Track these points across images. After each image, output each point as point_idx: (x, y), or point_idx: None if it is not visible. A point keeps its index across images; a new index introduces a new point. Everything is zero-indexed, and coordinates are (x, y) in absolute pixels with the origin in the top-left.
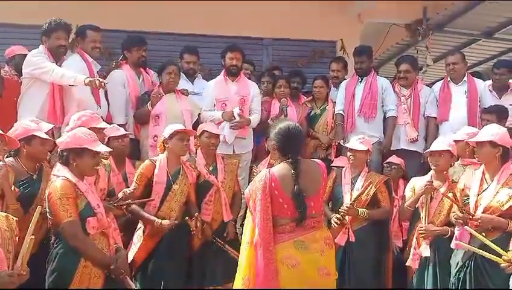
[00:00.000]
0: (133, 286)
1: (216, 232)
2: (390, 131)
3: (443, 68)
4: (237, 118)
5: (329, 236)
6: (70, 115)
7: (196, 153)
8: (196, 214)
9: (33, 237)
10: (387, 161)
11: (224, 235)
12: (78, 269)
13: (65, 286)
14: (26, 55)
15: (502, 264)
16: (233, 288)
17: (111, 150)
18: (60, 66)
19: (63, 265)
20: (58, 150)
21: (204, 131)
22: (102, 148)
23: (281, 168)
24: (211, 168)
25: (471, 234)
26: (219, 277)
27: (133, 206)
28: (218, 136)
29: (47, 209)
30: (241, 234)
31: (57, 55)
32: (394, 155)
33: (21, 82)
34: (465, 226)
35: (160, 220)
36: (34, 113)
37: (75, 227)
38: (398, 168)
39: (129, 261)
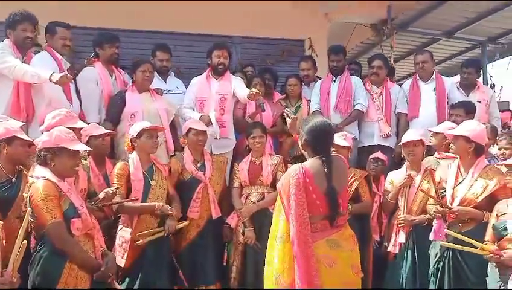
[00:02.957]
0: None
1: (204, 230)
2: (349, 118)
3: (407, 66)
4: (214, 123)
5: (353, 233)
6: (43, 113)
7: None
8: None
9: (25, 242)
10: (373, 156)
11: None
12: (64, 272)
13: None
14: None
15: (484, 256)
16: (266, 288)
17: (90, 149)
18: (27, 62)
19: (48, 269)
20: (36, 150)
21: (191, 129)
22: (81, 147)
23: (314, 163)
24: (199, 165)
25: (448, 227)
26: (211, 276)
27: (124, 204)
28: (205, 132)
29: (29, 213)
30: (242, 233)
31: (23, 48)
32: (379, 151)
33: None
34: (445, 230)
35: (160, 204)
36: (1, 110)
37: (60, 228)
38: (383, 165)
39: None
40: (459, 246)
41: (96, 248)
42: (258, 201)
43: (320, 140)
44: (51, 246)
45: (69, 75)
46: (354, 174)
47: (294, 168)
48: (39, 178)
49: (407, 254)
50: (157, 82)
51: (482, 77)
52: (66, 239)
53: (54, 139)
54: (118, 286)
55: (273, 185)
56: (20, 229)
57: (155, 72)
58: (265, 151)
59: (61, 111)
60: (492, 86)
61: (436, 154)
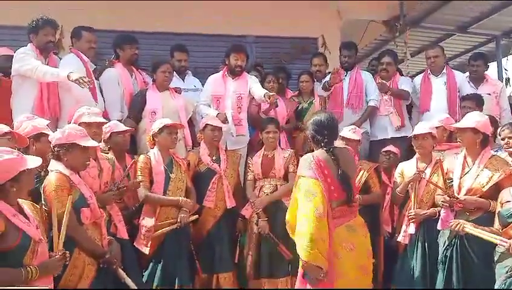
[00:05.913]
0: (125, 276)
1: (221, 221)
2: (365, 115)
3: (420, 61)
4: (230, 121)
5: (364, 221)
6: (72, 111)
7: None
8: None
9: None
10: (385, 149)
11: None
12: (73, 255)
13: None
14: (10, 56)
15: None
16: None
17: (98, 144)
18: (50, 64)
19: None
20: (51, 145)
21: (207, 125)
22: (91, 143)
23: (322, 153)
24: (214, 158)
25: (455, 216)
26: (228, 264)
27: (150, 195)
28: (221, 129)
29: (43, 201)
30: (256, 223)
31: (46, 51)
32: (391, 145)
33: (11, 81)
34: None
35: (183, 198)
36: (28, 110)
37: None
38: (395, 157)
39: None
40: (469, 229)
41: (103, 236)
42: (271, 193)
43: (323, 132)
44: None
45: (87, 78)
46: (363, 166)
47: (308, 156)
48: (52, 171)
49: (417, 244)
50: (175, 81)
51: (497, 71)
52: (74, 227)
53: (66, 136)
54: (122, 273)
55: (285, 178)
56: (65, 211)
57: (174, 72)
58: (277, 145)
59: (82, 108)
60: (508, 80)
61: (436, 147)
